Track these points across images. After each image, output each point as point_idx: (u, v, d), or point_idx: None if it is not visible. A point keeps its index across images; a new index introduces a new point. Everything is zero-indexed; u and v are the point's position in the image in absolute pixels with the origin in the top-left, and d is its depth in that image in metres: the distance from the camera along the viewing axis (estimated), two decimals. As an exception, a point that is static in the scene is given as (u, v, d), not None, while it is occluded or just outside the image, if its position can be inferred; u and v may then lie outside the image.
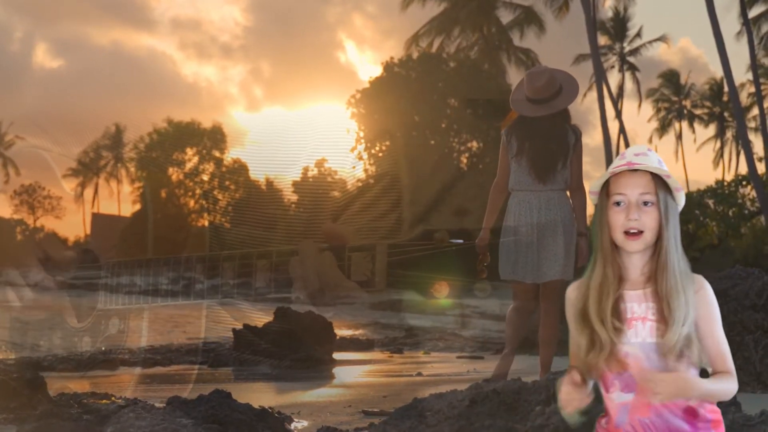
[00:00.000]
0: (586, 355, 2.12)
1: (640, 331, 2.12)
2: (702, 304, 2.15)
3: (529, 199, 5.92)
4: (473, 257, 6.57)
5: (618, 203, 2.14)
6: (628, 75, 50.56)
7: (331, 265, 29.24)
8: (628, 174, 2.15)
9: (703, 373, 2.17)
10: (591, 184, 2.23)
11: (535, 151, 5.80)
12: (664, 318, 2.10)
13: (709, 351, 2.15)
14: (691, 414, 2.13)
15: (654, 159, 2.15)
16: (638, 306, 2.13)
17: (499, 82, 41.55)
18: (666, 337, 2.09)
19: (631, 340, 2.12)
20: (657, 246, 2.15)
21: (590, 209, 6.49)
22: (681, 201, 2.18)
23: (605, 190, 2.18)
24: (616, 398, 2.15)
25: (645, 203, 2.13)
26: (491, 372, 6.51)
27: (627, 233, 2.13)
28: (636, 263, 2.16)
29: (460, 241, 31.07)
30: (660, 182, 2.15)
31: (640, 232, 2.12)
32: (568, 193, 5.99)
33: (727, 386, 2.14)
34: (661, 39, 50.57)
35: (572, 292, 2.21)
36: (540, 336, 6.13)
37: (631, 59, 50.25)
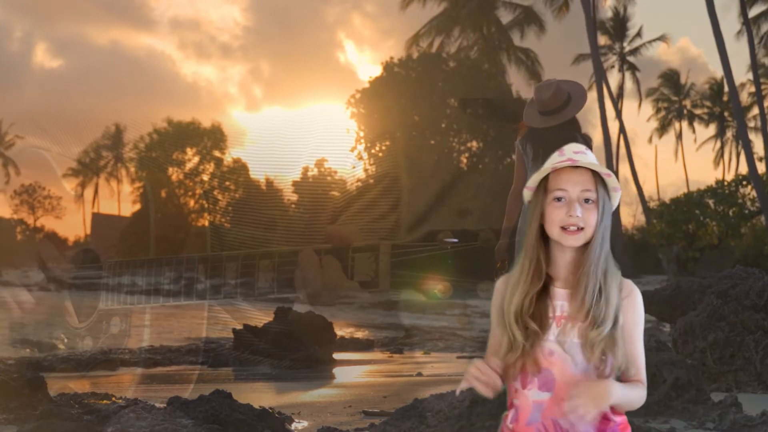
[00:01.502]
0: (504, 354, 2.10)
1: (567, 330, 2.09)
2: (629, 310, 2.12)
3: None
4: (473, 257, 6.64)
5: (559, 199, 2.12)
6: (628, 75, 50.55)
7: (332, 266, 29.24)
8: (569, 170, 2.12)
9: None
10: (529, 180, 2.19)
11: (547, 158, 5.93)
12: (588, 317, 2.07)
13: (627, 358, 2.12)
14: (605, 418, 2.10)
15: (593, 158, 2.15)
16: (566, 304, 2.10)
17: (499, 82, 41.54)
18: (587, 336, 2.06)
19: (558, 339, 2.09)
20: (586, 243, 2.12)
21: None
22: (616, 202, 2.16)
23: (543, 185, 2.15)
24: (531, 396, 2.11)
25: (586, 200, 2.11)
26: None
27: (565, 229, 2.10)
28: (568, 260, 2.13)
29: (455, 240, 31.10)
30: (599, 181, 2.14)
31: (580, 229, 2.10)
32: None
33: (640, 395, 2.12)
34: (661, 39, 50.60)
35: (500, 287, 2.18)
36: None
37: (631, 59, 50.23)
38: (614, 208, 2.17)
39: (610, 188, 2.15)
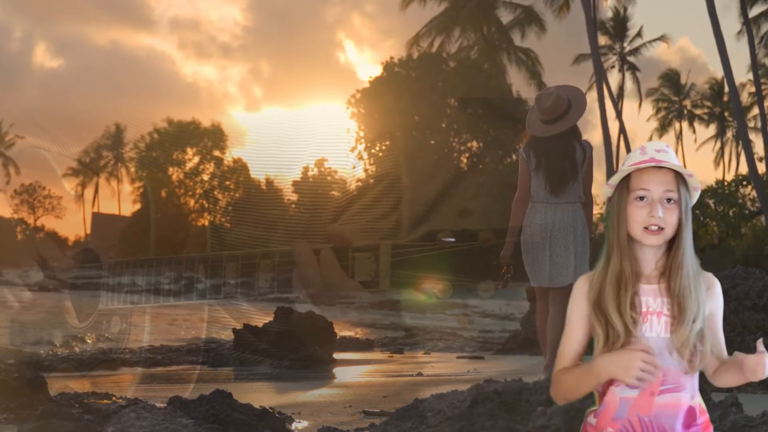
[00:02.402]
0: (601, 349, 2.12)
1: (654, 325, 2.12)
2: (712, 302, 2.17)
3: (544, 210, 6.31)
4: (473, 257, 6.77)
5: (641, 198, 2.13)
6: (628, 75, 50.61)
7: (332, 265, 29.24)
8: (652, 170, 2.14)
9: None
10: (612, 178, 2.21)
11: (549, 168, 6.23)
12: (680, 316, 2.11)
13: (716, 347, 2.18)
14: (690, 416, 2.13)
15: (673, 156, 2.16)
16: (653, 300, 2.13)
17: (500, 82, 41.55)
18: (678, 333, 2.10)
19: (646, 334, 2.11)
20: (672, 243, 2.15)
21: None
22: (695, 200, 2.20)
23: (625, 183, 2.17)
24: (619, 392, 2.13)
25: (668, 200, 2.13)
26: (491, 372, 6.57)
27: (647, 229, 2.13)
28: (650, 258, 2.16)
29: (452, 239, 31.12)
30: (681, 180, 2.15)
31: (661, 229, 2.13)
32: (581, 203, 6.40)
33: None
34: (661, 39, 50.63)
35: (584, 284, 2.19)
36: (545, 337, 6.25)
37: (631, 59, 50.28)
38: (692, 204, 2.21)
39: (691, 188, 2.17)
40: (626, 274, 2.13)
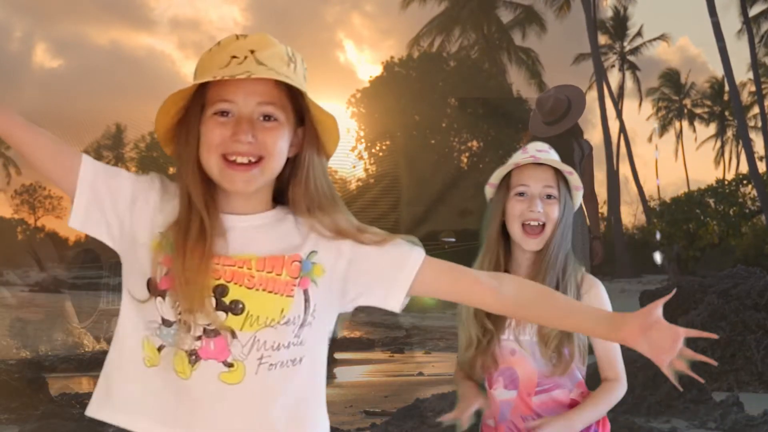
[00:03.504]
0: (462, 352, 2.11)
1: (527, 329, 2.10)
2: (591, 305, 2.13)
3: None
4: (473, 257, 6.77)
5: (521, 194, 2.12)
6: (628, 74, 50.59)
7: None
8: (532, 167, 2.14)
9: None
10: (492, 176, 2.20)
11: None
12: None
13: (597, 355, 2.13)
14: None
15: (556, 157, 2.15)
16: None
17: (500, 82, 41.53)
18: (541, 334, 2.07)
19: (520, 338, 2.10)
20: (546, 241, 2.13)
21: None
22: (578, 201, 2.17)
23: (506, 182, 2.16)
24: (498, 395, 2.14)
25: (548, 196, 2.11)
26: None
27: (526, 227, 2.10)
28: (528, 258, 2.14)
29: (453, 239, 31.11)
30: (561, 179, 2.13)
31: (542, 226, 2.09)
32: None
33: (613, 397, 2.12)
34: (661, 38, 50.62)
35: None
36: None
37: (631, 58, 50.27)
38: (576, 207, 2.17)
39: (572, 186, 2.16)
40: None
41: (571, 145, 6.34)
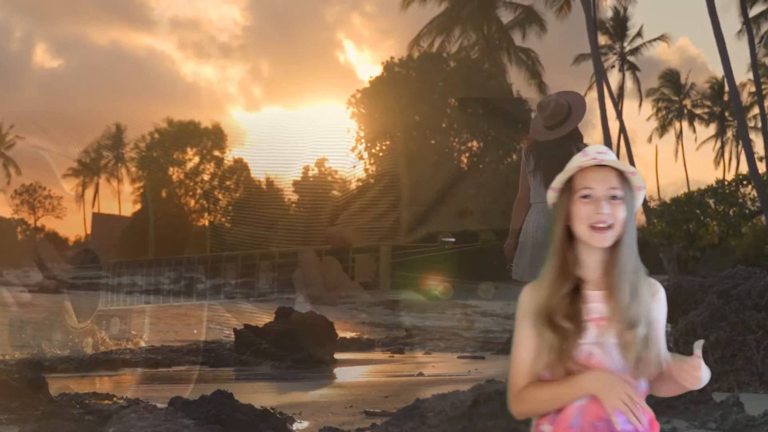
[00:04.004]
0: (547, 357, 2.09)
1: (604, 331, 2.08)
2: (657, 309, 2.14)
3: (546, 210, 6.42)
4: (474, 258, 6.90)
5: (585, 197, 2.11)
6: (628, 74, 50.59)
7: (332, 266, 29.23)
8: (594, 170, 2.13)
9: None
10: (555, 181, 2.18)
11: (548, 169, 6.43)
12: (621, 319, 2.07)
13: (658, 354, 2.13)
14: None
15: (614, 157, 2.16)
16: (601, 306, 2.09)
17: (500, 82, 41.52)
18: (624, 338, 2.06)
19: (597, 340, 2.09)
20: (615, 244, 2.11)
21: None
22: (640, 200, 2.18)
23: (568, 186, 2.15)
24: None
25: (613, 198, 2.11)
26: (492, 372, 6.59)
27: (594, 227, 2.10)
28: (597, 260, 2.12)
29: (452, 239, 31.10)
30: (624, 180, 2.14)
31: (609, 226, 2.10)
32: None
33: None
34: (661, 38, 50.64)
35: (529, 293, 2.15)
36: None
37: (631, 59, 50.27)
38: (638, 206, 2.18)
39: (634, 186, 2.16)
40: (562, 278, 2.10)
41: (571, 150, 6.38)
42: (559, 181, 2.17)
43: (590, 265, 2.13)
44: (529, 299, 2.14)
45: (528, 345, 2.13)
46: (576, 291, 2.10)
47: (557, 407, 2.10)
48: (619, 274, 2.09)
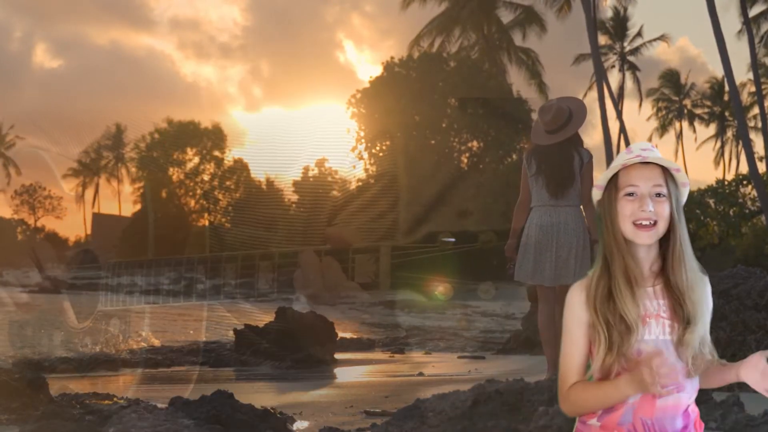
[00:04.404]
0: (603, 356, 2.09)
1: (653, 328, 2.10)
2: (709, 305, 2.17)
3: (548, 213, 6.60)
4: (474, 258, 7.00)
5: (630, 194, 2.12)
6: (628, 74, 50.62)
7: (332, 267, 29.22)
8: (639, 167, 2.14)
9: None
10: (599, 178, 2.19)
11: (549, 173, 6.58)
12: (676, 315, 2.09)
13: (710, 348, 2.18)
14: (685, 415, 2.12)
15: (659, 154, 2.16)
16: (650, 303, 2.11)
17: (500, 82, 41.52)
18: (683, 334, 2.09)
19: (645, 338, 2.10)
20: (667, 241, 2.13)
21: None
22: (684, 196, 2.19)
23: (614, 183, 2.16)
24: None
25: (657, 195, 2.12)
26: (492, 372, 6.63)
27: (637, 224, 2.11)
28: (643, 258, 2.13)
29: (452, 239, 31.10)
30: (669, 176, 2.15)
31: (654, 223, 2.11)
32: (581, 207, 6.70)
33: None
34: (661, 38, 50.66)
35: (581, 292, 2.14)
36: (550, 337, 6.36)
37: (631, 59, 50.30)
38: (683, 202, 2.19)
39: (679, 183, 2.16)
40: (633, 271, 2.10)
41: (571, 154, 6.54)
42: (603, 178, 2.18)
43: (636, 262, 2.14)
44: (582, 300, 2.14)
45: (578, 345, 2.14)
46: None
47: (603, 408, 2.11)
48: (685, 272, 2.11)
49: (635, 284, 2.11)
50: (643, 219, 2.10)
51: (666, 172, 2.15)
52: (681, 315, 2.09)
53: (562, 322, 2.19)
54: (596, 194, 2.20)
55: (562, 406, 2.18)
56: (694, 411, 2.15)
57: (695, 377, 2.14)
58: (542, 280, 6.57)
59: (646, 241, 2.12)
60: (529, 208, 6.69)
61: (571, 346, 2.15)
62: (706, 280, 2.19)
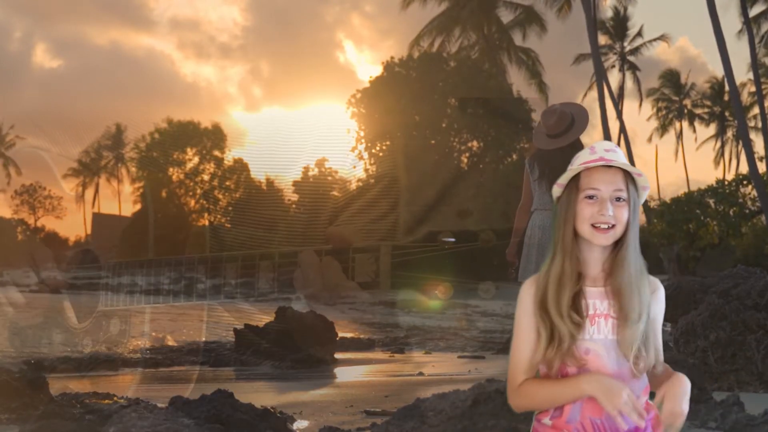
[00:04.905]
0: (545, 351, 2.10)
1: (602, 327, 2.11)
2: (655, 306, 2.16)
3: (550, 216, 6.61)
4: (474, 258, 7.01)
5: (591, 197, 2.13)
6: (628, 74, 50.60)
7: (332, 266, 29.22)
8: (601, 169, 2.14)
9: None
10: (561, 177, 2.20)
11: (552, 178, 6.53)
12: (622, 314, 2.10)
13: (656, 352, 2.16)
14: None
15: (622, 156, 2.17)
16: (600, 302, 2.12)
17: (500, 82, 41.52)
18: (623, 334, 2.09)
19: (594, 337, 2.10)
20: (617, 243, 2.15)
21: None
22: (643, 198, 2.21)
23: (575, 183, 2.17)
24: None
25: (618, 199, 2.13)
26: (492, 371, 6.61)
27: (596, 227, 2.12)
28: (597, 259, 2.15)
29: (453, 239, 31.10)
30: (630, 180, 2.16)
31: (612, 227, 2.12)
32: None
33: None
34: (661, 38, 50.65)
35: (529, 287, 2.17)
36: None
37: (631, 59, 50.28)
38: (641, 203, 2.20)
39: (640, 186, 2.17)
40: (567, 274, 2.11)
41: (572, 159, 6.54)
42: (565, 177, 2.18)
43: (589, 261, 2.16)
44: (531, 294, 2.16)
45: (528, 339, 2.15)
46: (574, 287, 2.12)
47: (555, 406, 2.12)
48: (623, 273, 2.12)
49: (584, 283, 2.13)
50: (601, 222, 2.11)
51: (627, 175, 2.15)
52: (626, 315, 2.09)
53: (514, 317, 2.20)
54: (556, 192, 2.21)
55: (511, 401, 2.19)
56: (651, 411, 2.15)
57: (642, 377, 2.14)
58: None
59: (603, 243, 2.13)
60: (531, 211, 6.75)
61: (521, 341, 2.16)
62: (658, 284, 2.20)
